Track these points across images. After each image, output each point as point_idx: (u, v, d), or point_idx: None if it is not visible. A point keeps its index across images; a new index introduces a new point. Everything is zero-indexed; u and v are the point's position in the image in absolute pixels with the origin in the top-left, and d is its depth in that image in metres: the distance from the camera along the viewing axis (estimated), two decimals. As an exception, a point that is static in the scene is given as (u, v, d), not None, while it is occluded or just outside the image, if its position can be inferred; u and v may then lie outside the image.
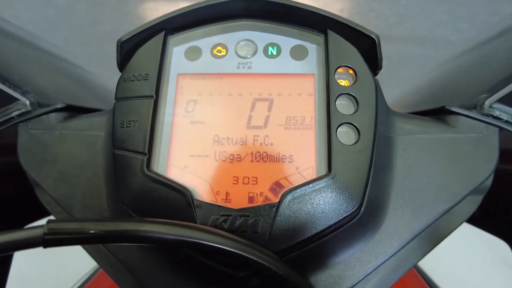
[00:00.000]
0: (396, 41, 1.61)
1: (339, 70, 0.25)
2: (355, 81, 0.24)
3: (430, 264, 0.53)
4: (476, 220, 0.36)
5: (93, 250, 0.27)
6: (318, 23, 0.26)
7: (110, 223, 0.17)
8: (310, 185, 0.22)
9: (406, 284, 0.48)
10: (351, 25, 0.25)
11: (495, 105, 0.28)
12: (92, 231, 0.17)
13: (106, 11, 1.63)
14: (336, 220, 0.21)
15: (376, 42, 0.25)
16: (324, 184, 0.22)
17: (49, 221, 0.17)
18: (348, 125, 0.23)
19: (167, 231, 0.18)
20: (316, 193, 0.22)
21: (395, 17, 1.64)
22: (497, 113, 0.28)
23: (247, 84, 0.26)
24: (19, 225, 0.41)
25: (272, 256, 0.20)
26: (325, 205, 0.21)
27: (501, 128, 0.27)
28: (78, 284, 0.52)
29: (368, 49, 0.25)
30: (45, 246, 0.17)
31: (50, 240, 0.17)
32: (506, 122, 0.27)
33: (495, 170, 0.28)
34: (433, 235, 0.27)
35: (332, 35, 0.25)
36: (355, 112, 0.23)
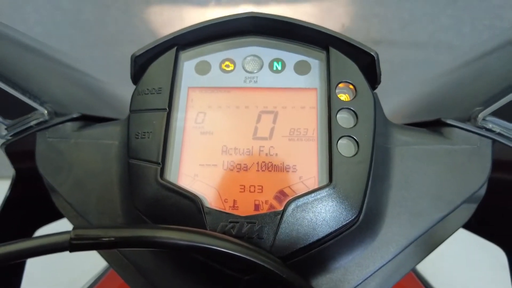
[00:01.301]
0: (399, 46, 1.62)
1: (340, 85, 0.26)
2: (355, 96, 0.26)
3: (430, 269, 0.54)
4: (473, 227, 0.37)
5: (106, 253, 0.29)
6: (321, 40, 0.28)
7: (130, 229, 0.19)
8: (313, 195, 0.23)
9: None
10: (352, 43, 0.26)
11: (488, 118, 0.29)
12: (114, 237, 0.19)
13: (112, 15, 1.66)
14: (337, 228, 0.23)
15: (375, 58, 0.26)
16: (325, 193, 0.23)
17: (74, 228, 0.19)
18: (348, 137, 0.25)
19: (181, 237, 0.19)
20: (318, 202, 0.23)
21: (399, 21, 1.66)
22: (490, 126, 0.29)
23: (254, 97, 0.28)
24: (32, 228, 0.43)
25: (277, 261, 0.21)
26: (326, 213, 0.23)
27: (494, 140, 0.29)
28: (87, 286, 0.54)
29: (368, 65, 0.27)
30: (71, 251, 0.18)
31: (76, 245, 0.18)
32: (499, 134, 0.29)
33: (490, 179, 0.29)
34: (429, 242, 0.29)
35: (333, 51, 0.27)
36: (354, 125, 0.25)
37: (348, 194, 0.23)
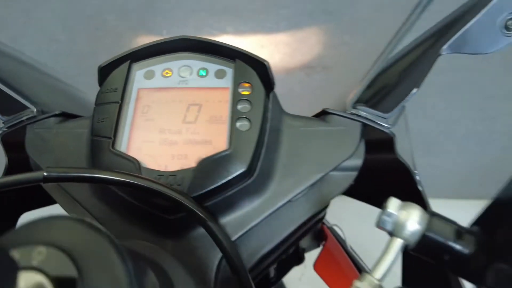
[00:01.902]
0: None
1: (243, 84, 0.37)
2: (251, 92, 0.37)
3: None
4: (365, 198, 0.48)
5: (59, 195, 0.38)
6: (231, 54, 0.39)
7: (85, 170, 0.29)
8: (217, 155, 0.34)
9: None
10: (250, 55, 0.38)
11: (358, 106, 0.40)
12: (73, 174, 0.29)
13: (104, 45, 1.80)
14: (231, 177, 0.33)
15: (267, 66, 0.37)
16: (225, 154, 0.34)
17: (47, 167, 0.29)
18: (245, 118, 0.35)
19: (115, 176, 0.29)
20: (219, 159, 0.33)
21: (366, 48, 1.81)
22: (360, 113, 0.40)
23: (185, 94, 0.39)
24: (17, 212, 0.51)
25: (186, 195, 0.31)
26: (225, 167, 0.33)
27: (363, 123, 0.39)
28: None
29: (264, 71, 0.38)
30: (44, 182, 0.28)
31: (47, 178, 0.28)
32: (365, 118, 0.40)
33: (369, 155, 0.40)
34: (318, 198, 0.39)
35: (238, 62, 0.38)
36: (249, 111, 0.36)
37: (239, 154, 0.34)
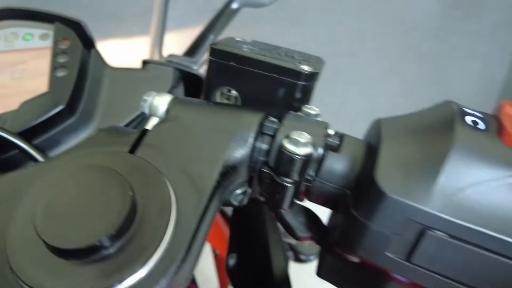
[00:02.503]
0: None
1: (62, 42, 0.44)
2: (69, 46, 0.44)
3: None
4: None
5: None
6: (51, 19, 0.45)
7: None
8: (37, 97, 0.40)
9: None
10: (66, 17, 0.45)
11: (172, 56, 0.50)
12: None
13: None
14: (51, 115, 0.39)
15: (83, 25, 0.45)
16: (43, 96, 0.40)
17: None
18: (63, 67, 0.42)
19: None
20: (39, 100, 0.40)
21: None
22: (173, 60, 0.49)
23: (12, 56, 0.44)
24: None
25: (11, 132, 0.37)
26: (44, 106, 0.40)
27: (174, 68, 0.49)
28: None
29: (81, 30, 0.45)
30: None
31: None
32: (177, 63, 0.49)
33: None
34: None
35: (57, 24, 0.45)
36: (67, 61, 0.43)
37: (57, 95, 0.40)
